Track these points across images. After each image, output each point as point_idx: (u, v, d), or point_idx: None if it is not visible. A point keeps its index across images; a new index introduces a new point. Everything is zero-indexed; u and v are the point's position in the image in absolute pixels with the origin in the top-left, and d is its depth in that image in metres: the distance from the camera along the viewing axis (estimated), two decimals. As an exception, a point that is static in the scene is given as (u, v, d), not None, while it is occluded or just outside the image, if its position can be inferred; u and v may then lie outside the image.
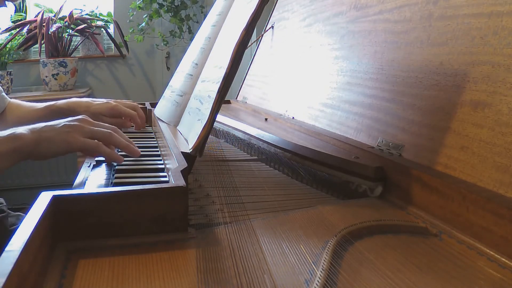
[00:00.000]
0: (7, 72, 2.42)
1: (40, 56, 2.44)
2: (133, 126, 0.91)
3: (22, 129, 0.59)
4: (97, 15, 2.67)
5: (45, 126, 0.61)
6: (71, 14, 2.50)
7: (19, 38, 2.47)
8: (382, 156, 0.58)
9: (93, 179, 0.58)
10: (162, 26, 2.79)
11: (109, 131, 0.63)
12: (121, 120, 0.89)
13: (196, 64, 0.86)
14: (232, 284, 0.35)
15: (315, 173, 0.62)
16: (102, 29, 2.64)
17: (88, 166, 0.64)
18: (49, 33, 2.37)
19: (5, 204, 0.88)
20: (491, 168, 0.45)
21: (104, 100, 0.90)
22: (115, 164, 0.63)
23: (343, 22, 0.85)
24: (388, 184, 0.55)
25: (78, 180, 0.58)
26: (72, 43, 2.58)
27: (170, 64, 2.95)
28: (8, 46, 2.40)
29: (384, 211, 0.51)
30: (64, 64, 2.46)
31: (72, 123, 0.61)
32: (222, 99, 0.57)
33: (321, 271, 0.36)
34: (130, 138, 0.85)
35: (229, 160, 0.76)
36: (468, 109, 0.50)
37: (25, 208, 0.59)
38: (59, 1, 2.56)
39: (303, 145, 0.67)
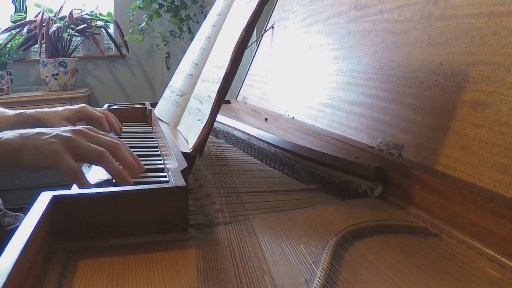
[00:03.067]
0: (7, 72, 2.42)
1: (40, 56, 2.44)
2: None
3: (11, 134, 0.53)
4: (97, 15, 2.68)
5: (37, 133, 0.53)
6: (71, 14, 2.50)
7: (19, 38, 2.47)
8: (382, 156, 0.58)
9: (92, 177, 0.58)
10: (162, 26, 2.79)
11: (100, 150, 0.52)
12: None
13: (196, 64, 0.86)
14: (232, 284, 0.35)
15: (315, 173, 0.62)
16: (102, 29, 2.64)
17: (88, 166, 0.64)
18: (49, 33, 2.37)
19: (1, 203, 0.88)
20: (491, 168, 0.45)
21: (76, 106, 0.86)
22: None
23: (343, 22, 0.85)
24: (388, 184, 0.55)
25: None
26: (72, 43, 2.59)
27: (170, 64, 2.95)
28: (8, 46, 2.40)
29: (384, 211, 0.51)
30: (64, 64, 2.46)
31: (64, 133, 0.53)
32: (222, 99, 0.57)
33: (321, 271, 0.36)
34: (131, 137, 0.86)
35: (229, 160, 0.76)
36: (468, 109, 0.50)
37: (25, 208, 0.57)
38: (59, 1, 2.56)
39: (303, 145, 0.67)
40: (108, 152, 0.52)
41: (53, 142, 0.51)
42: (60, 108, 0.85)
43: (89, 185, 0.51)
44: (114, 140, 0.55)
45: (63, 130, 0.53)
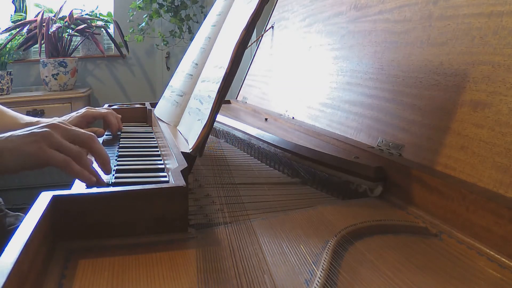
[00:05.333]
0: (7, 72, 2.42)
1: (40, 56, 2.44)
2: (108, 134, 0.90)
3: None
4: (97, 15, 2.67)
5: (11, 135, 0.53)
6: (71, 14, 2.50)
7: (19, 38, 2.46)
8: (382, 156, 0.58)
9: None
10: (162, 26, 2.79)
11: (78, 150, 0.54)
12: (94, 129, 0.86)
13: (196, 64, 0.86)
14: (232, 284, 0.35)
15: (315, 173, 0.62)
16: (102, 29, 2.64)
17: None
18: (49, 33, 2.37)
19: (3, 203, 0.88)
20: (491, 168, 0.45)
21: (80, 111, 0.88)
22: (115, 164, 0.63)
23: (343, 22, 0.85)
24: (388, 184, 0.55)
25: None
26: (72, 43, 2.58)
27: (170, 64, 2.95)
28: (8, 46, 2.40)
29: (384, 211, 0.51)
30: (64, 64, 2.46)
31: (40, 130, 0.53)
32: (222, 99, 0.57)
33: (321, 271, 0.36)
34: (131, 137, 0.86)
35: (229, 160, 0.76)
36: (468, 109, 0.50)
37: (25, 208, 0.57)
38: (59, 1, 2.56)
39: (303, 145, 0.67)
40: (83, 152, 0.54)
41: (34, 141, 0.51)
42: (66, 117, 0.87)
43: (85, 174, 0.52)
44: (89, 133, 0.56)
45: (39, 127, 0.54)
